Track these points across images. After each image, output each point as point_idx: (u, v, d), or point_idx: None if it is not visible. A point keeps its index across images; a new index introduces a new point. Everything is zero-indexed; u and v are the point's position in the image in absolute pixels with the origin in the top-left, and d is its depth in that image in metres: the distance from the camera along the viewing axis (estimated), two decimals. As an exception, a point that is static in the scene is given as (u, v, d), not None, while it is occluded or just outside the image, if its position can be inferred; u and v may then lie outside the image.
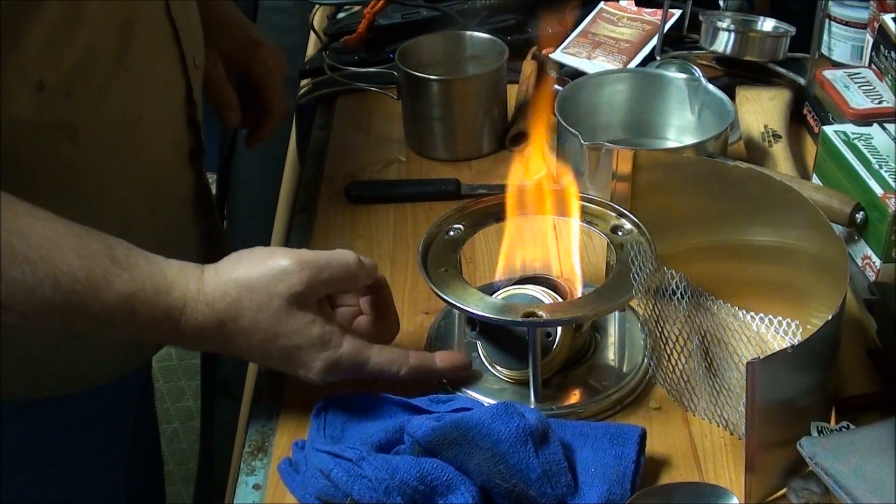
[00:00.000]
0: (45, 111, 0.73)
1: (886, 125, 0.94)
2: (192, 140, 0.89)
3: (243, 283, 0.71)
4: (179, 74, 0.85)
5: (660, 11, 1.21)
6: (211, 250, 0.97)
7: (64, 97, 0.74)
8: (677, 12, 1.23)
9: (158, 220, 0.85)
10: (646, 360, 0.79)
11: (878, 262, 0.87)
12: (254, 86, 1.05)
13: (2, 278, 0.65)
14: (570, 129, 0.98)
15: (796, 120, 1.13)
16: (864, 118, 1.01)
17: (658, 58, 1.18)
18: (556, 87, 1.11)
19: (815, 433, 0.67)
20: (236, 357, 0.76)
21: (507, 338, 0.79)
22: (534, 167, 0.86)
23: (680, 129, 1.08)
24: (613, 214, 0.83)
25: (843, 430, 0.67)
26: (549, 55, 1.22)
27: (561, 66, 1.21)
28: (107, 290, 0.68)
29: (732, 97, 1.11)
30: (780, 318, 0.73)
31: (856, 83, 1.08)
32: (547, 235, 0.84)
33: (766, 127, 1.08)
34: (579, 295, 0.80)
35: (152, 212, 0.84)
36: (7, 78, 0.70)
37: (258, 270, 0.72)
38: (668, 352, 0.75)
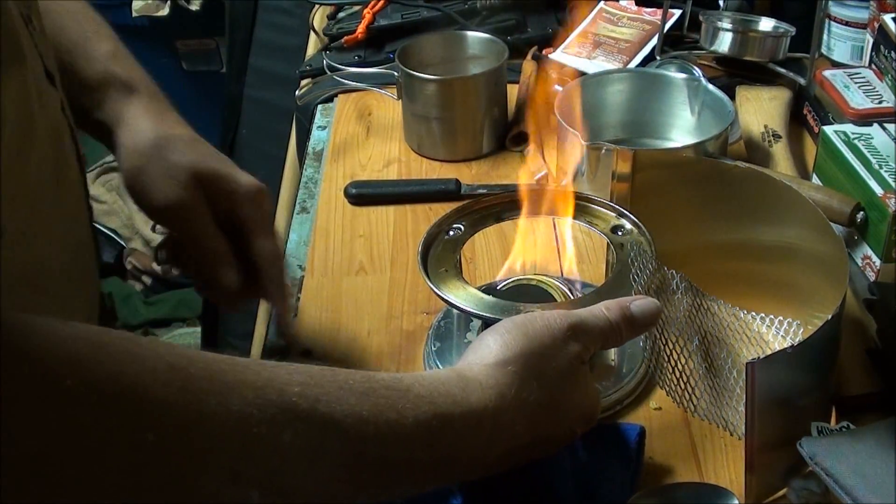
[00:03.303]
0: (10, 262, 0.59)
1: (886, 125, 0.94)
2: (96, 251, 0.77)
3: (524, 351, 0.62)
4: (79, 174, 0.73)
5: (660, 11, 1.21)
6: None
7: (22, 237, 0.61)
8: (677, 12, 1.23)
9: None
10: (646, 361, 0.79)
11: (878, 262, 0.87)
12: None
13: (272, 453, 0.49)
14: (570, 129, 0.98)
15: (796, 120, 1.12)
16: (864, 118, 1.01)
17: (658, 58, 1.18)
18: (556, 87, 1.11)
19: (815, 433, 0.66)
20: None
21: None
22: (534, 167, 0.86)
23: (680, 129, 1.08)
24: (613, 214, 0.83)
25: (843, 430, 0.67)
26: (549, 55, 1.22)
27: (561, 66, 1.21)
28: (406, 417, 0.55)
29: (732, 97, 1.11)
30: (780, 318, 0.73)
31: (856, 83, 1.08)
32: (550, 236, 0.84)
33: (766, 127, 1.08)
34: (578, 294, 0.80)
35: None
36: None
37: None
38: (668, 352, 0.75)
